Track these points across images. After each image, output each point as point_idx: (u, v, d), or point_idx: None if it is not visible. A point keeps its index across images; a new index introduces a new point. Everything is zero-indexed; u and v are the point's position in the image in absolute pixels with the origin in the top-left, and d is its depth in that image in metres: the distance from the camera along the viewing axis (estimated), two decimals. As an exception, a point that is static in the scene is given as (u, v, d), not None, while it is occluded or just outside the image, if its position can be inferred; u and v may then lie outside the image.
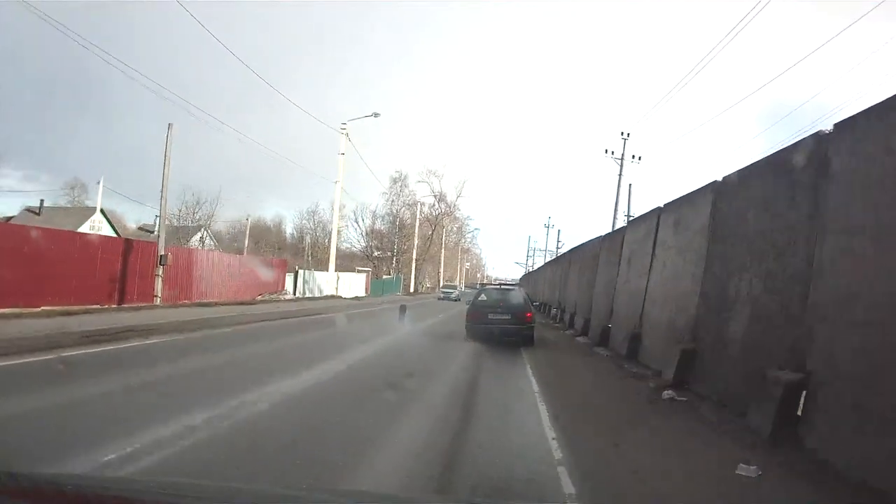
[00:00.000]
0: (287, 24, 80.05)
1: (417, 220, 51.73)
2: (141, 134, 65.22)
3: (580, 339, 16.05)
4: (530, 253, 77.53)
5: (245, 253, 42.68)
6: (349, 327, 16.30)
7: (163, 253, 19.37)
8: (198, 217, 45.37)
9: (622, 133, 27.98)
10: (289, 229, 67.89)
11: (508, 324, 12.96)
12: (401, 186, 57.41)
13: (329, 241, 70.62)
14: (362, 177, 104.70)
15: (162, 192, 19.76)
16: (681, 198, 10.05)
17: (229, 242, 53.60)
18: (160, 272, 19.32)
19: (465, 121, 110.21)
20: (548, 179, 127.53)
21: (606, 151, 28.40)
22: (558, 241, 57.73)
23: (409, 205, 56.71)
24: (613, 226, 26.40)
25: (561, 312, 22.38)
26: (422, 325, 17.03)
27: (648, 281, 10.91)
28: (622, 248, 13.62)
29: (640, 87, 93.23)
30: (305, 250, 61.35)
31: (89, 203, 45.33)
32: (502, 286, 17.33)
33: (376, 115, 27.44)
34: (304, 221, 63.47)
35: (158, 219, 20.01)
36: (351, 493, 3.04)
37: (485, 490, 3.83)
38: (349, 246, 63.75)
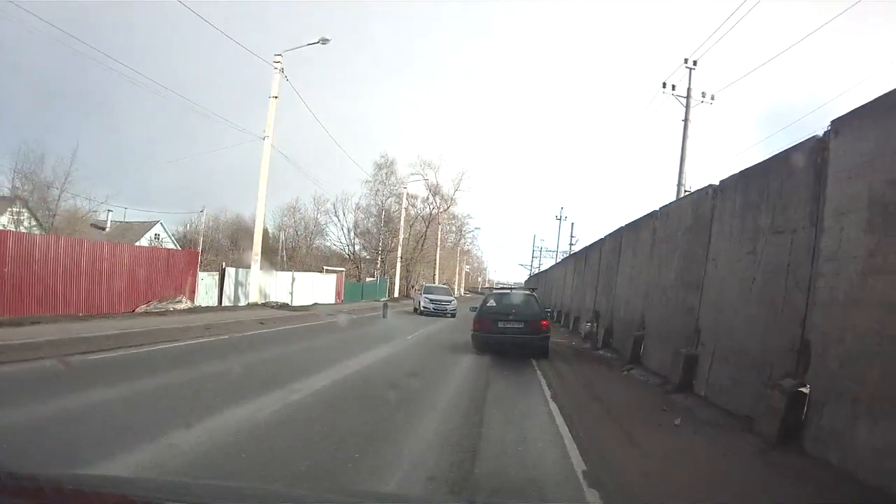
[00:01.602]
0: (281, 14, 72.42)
1: (403, 211, 43.15)
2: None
3: (678, 397, 7.64)
4: (536, 253, 69.19)
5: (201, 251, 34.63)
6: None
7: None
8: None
9: (686, 61, 19.27)
10: (270, 227, 61.02)
11: (521, 333, 11.84)
12: (387, 174, 48.58)
13: (311, 239, 63.41)
14: (344, 164, 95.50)
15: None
16: None
17: (208, 242, 46.17)
18: None
19: (464, 106, 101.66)
20: (555, 172, 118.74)
21: (665, 86, 19.81)
22: (572, 237, 49.32)
23: (397, 195, 47.92)
24: (678, 193, 17.95)
25: (606, 333, 13.89)
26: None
27: None
28: (824, 184, 5.29)
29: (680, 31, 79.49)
30: (280, 249, 54.69)
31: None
32: (514, 290, 15.94)
33: (324, 41, 19.11)
34: (283, 218, 56.48)
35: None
36: (351, 493, 3.02)
37: None
38: (331, 245, 56.54)
